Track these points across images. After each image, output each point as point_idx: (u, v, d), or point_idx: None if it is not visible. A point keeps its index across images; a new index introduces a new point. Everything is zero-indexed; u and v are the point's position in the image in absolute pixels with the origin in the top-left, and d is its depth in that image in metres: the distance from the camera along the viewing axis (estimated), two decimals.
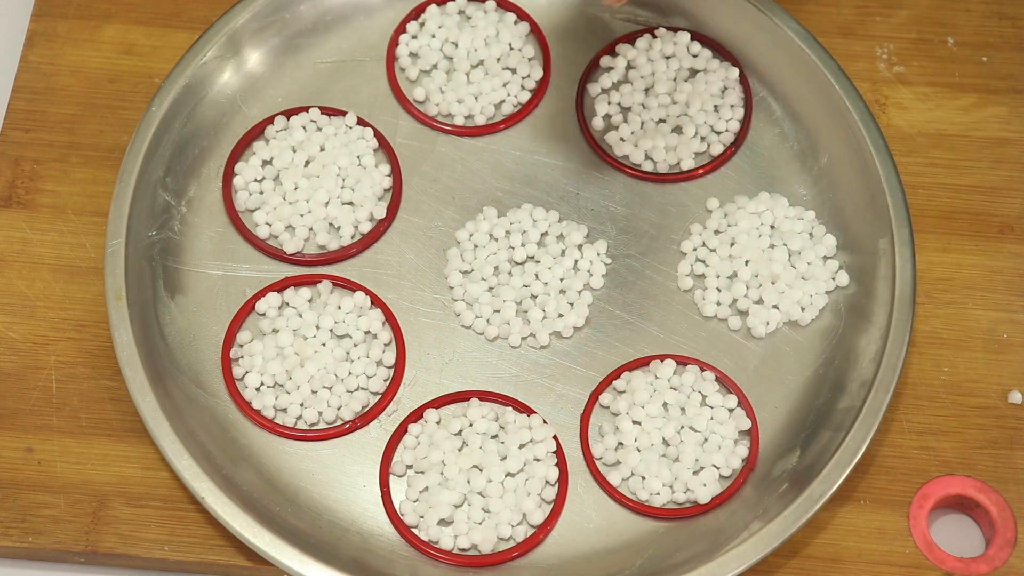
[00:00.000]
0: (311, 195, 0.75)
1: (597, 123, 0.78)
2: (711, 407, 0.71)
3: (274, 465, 0.70)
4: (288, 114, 0.77)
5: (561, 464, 0.70)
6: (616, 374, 0.72)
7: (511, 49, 0.79)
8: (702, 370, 0.71)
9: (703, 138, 0.77)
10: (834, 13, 0.82)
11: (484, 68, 0.78)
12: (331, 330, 0.72)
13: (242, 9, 0.77)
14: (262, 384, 0.71)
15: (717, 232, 0.75)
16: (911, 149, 0.78)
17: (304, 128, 0.77)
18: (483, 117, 0.78)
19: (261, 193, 0.76)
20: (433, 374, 0.72)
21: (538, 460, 0.69)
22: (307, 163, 0.76)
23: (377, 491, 0.69)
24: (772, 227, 0.75)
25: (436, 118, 0.78)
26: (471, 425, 0.70)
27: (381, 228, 0.75)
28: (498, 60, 0.78)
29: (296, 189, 0.75)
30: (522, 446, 0.69)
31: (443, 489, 0.68)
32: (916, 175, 0.77)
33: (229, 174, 0.76)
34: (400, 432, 0.70)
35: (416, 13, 0.80)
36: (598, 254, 0.74)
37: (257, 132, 0.77)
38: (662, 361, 0.71)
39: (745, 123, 0.77)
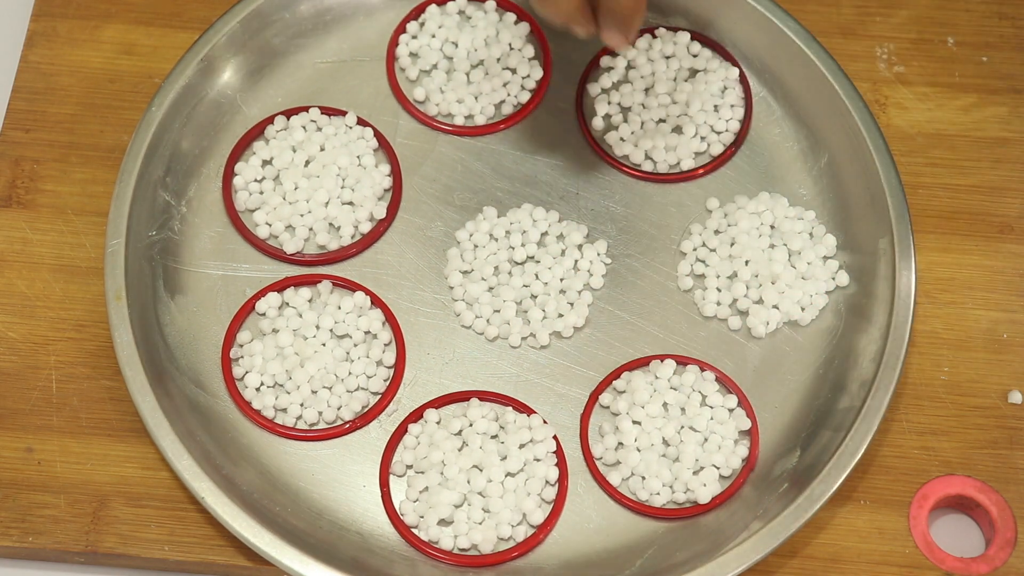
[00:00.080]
0: (311, 195, 0.75)
1: (597, 123, 0.77)
2: (711, 407, 0.71)
3: (274, 465, 0.70)
4: (288, 114, 0.77)
5: (561, 464, 0.70)
6: (616, 374, 0.72)
7: (511, 49, 0.79)
8: (702, 370, 0.71)
9: (703, 138, 0.77)
10: (834, 13, 0.82)
11: (484, 68, 0.78)
12: (331, 330, 0.72)
13: (242, 9, 0.77)
14: (262, 384, 0.71)
15: (717, 232, 0.75)
16: (911, 149, 0.78)
17: (304, 128, 0.77)
18: (483, 117, 0.78)
19: (261, 193, 0.76)
20: (433, 374, 0.72)
21: (538, 460, 0.69)
22: (307, 163, 0.76)
23: (377, 491, 0.69)
24: (772, 227, 0.75)
25: (436, 118, 0.78)
26: (471, 425, 0.70)
27: (381, 228, 0.75)
28: (498, 60, 0.78)
29: (296, 189, 0.75)
30: (522, 446, 0.69)
31: (443, 489, 0.68)
32: (916, 175, 0.77)
33: (229, 174, 0.76)
34: (400, 432, 0.70)
35: (416, 13, 0.80)
36: (598, 254, 0.74)
37: (257, 132, 0.77)
38: (662, 361, 0.71)
39: (745, 123, 0.77)
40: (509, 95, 0.78)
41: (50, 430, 0.71)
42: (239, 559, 0.68)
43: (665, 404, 0.70)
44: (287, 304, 0.73)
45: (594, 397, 0.71)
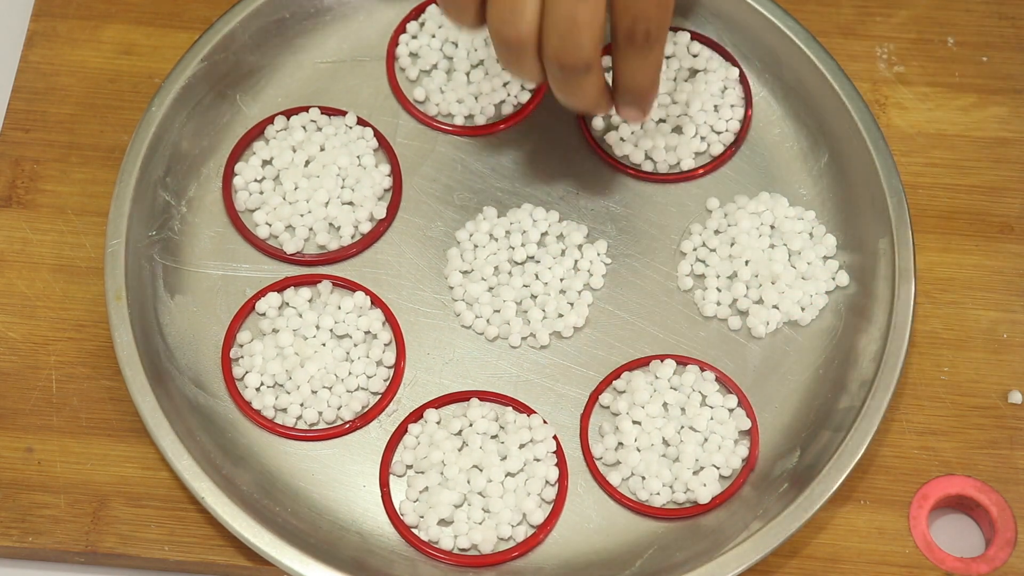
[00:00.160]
0: (311, 195, 0.75)
1: (597, 123, 0.77)
2: (711, 407, 0.71)
3: (274, 465, 0.70)
4: (288, 114, 0.77)
5: (561, 464, 0.70)
6: (616, 374, 0.72)
7: None
8: (702, 370, 0.71)
9: (703, 138, 0.77)
10: (834, 13, 0.82)
11: (484, 68, 0.78)
12: (331, 330, 0.72)
13: (242, 9, 0.77)
14: (262, 384, 0.71)
15: (717, 232, 0.75)
16: (911, 149, 0.78)
17: (304, 128, 0.77)
18: (483, 117, 0.78)
19: (261, 193, 0.76)
20: (433, 374, 0.72)
21: (538, 460, 0.69)
22: (307, 163, 0.76)
23: (377, 491, 0.69)
24: (772, 227, 0.75)
25: (436, 118, 0.78)
26: (471, 425, 0.70)
27: (381, 228, 0.75)
28: (498, 60, 0.78)
29: (296, 189, 0.75)
30: (522, 446, 0.70)
31: (443, 489, 0.68)
32: (916, 175, 0.77)
33: (229, 174, 0.76)
34: (400, 432, 0.70)
35: (416, 13, 0.80)
36: (598, 254, 0.74)
37: (257, 132, 0.77)
38: (662, 361, 0.71)
39: (745, 123, 0.77)
40: (509, 95, 0.78)
41: (50, 430, 0.71)
42: (239, 559, 0.68)
43: (665, 404, 0.70)
44: (287, 304, 0.73)
45: (594, 397, 0.71)
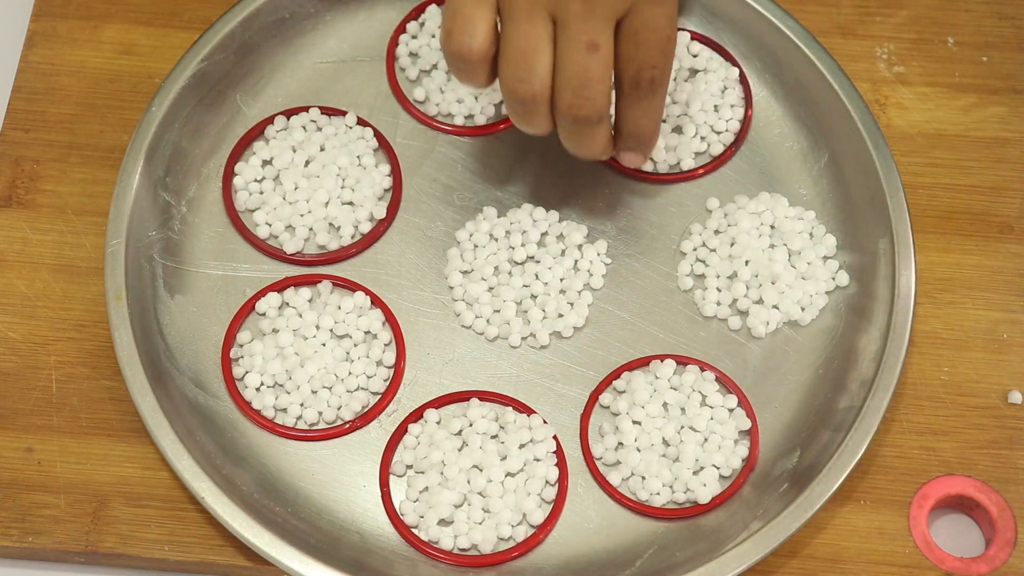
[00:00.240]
0: (311, 195, 0.75)
1: None
2: (711, 407, 0.71)
3: (274, 465, 0.70)
4: (288, 114, 0.77)
5: (561, 464, 0.70)
6: (616, 374, 0.72)
7: None
8: (702, 370, 0.71)
9: (703, 138, 0.77)
10: (834, 13, 0.82)
11: None
12: (331, 330, 0.72)
13: (242, 9, 0.77)
14: (262, 384, 0.71)
15: (717, 232, 0.75)
16: (911, 149, 0.78)
17: (304, 128, 0.77)
18: (483, 117, 0.78)
19: (261, 193, 0.76)
20: (433, 374, 0.72)
21: (538, 460, 0.69)
22: (307, 163, 0.76)
23: (377, 491, 0.69)
24: (772, 227, 0.75)
25: (436, 118, 0.78)
26: (471, 425, 0.70)
27: (381, 228, 0.75)
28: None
29: (296, 189, 0.75)
30: (522, 446, 0.69)
31: (443, 489, 0.68)
32: (916, 175, 0.77)
33: (229, 174, 0.76)
34: (400, 432, 0.70)
35: (416, 13, 0.80)
36: (598, 254, 0.74)
37: (257, 132, 0.77)
38: (662, 361, 0.71)
39: (745, 123, 0.77)
40: None
41: (50, 430, 0.71)
42: (239, 559, 0.68)
43: (665, 404, 0.70)
44: (287, 304, 0.73)
45: (594, 397, 0.71)
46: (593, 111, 0.66)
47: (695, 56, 0.79)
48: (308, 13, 0.79)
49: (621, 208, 0.76)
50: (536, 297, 0.73)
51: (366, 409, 0.71)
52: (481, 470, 0.69)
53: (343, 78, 0.79)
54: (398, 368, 0.72)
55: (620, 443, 0.70)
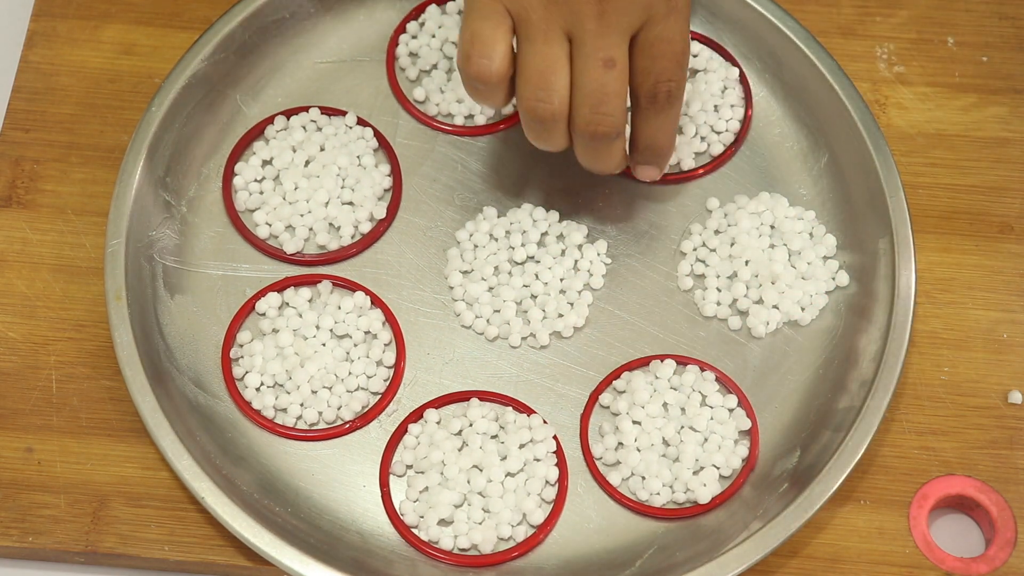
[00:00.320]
0: (311, 195, 0.75)
1: None
2: (711, 407, 0.71)
3: (274, 465, 0.70)
4: (288, 114, 0.77)
5: (561, 464, 0.70)
6: (616, 374, 0.72)
7: None
8: (702, 370, 0.71)
9: (703, 138, 0.77)
10: (834, 13, 0.82)
11: None
12: (331, 330, 0.72)
13: (242, 9, 0.77)
14: (262, 384, 0.71)
15: (717, 232, 0.75)
16: (911, 149, 0.78)
17: (304, 128, 0.77)
18: (483, 117, 0.78)
19: (261, 193, 0.76)
20: (433, 374, 0.72)
21: (538, 460, 0.69)
22: (307, 163, 0.76)
23: (377, 491, 0.69)
24: (772, 227, 0.75)
25: (436, 118, 0.78)
26: (471, 425, 0.70)
27: (381, 228, 0.75)
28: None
29: (296, 189, 0.75)
30: (522, 446, 0.69)
31: (443, 489, 0.68)
32: (916, 175, 0.77)
33: (229, 174, 0.76)
34: (400, 432, 0.70)
35: (416, 13, 0.80)
36: (598, 254, 0.74)
37: (257, 132, 0.77)
38: (662, 361, 0.71)
39: (745, 123, 0.77)
40: None
41: (50, 430, 0.71)
42: (239, 559, 0.68)
43: (665, 404, 0.70)
44: (287, 304, 0.73)
45: (594, 397, 0.71)
46: (611, 127, 0.66)
47: (695, 56, 0.79)
48: (308, 13, 0.79)
49: (621, 208, 0.76)
50: (536, 297, 0.73)
51: (366, 409, 0.71)
52: (481, 470, 0.69)
53: (343, 78, 0.79)
54: (398, 368, 0.72)
55: (620, 443, 0.70)
